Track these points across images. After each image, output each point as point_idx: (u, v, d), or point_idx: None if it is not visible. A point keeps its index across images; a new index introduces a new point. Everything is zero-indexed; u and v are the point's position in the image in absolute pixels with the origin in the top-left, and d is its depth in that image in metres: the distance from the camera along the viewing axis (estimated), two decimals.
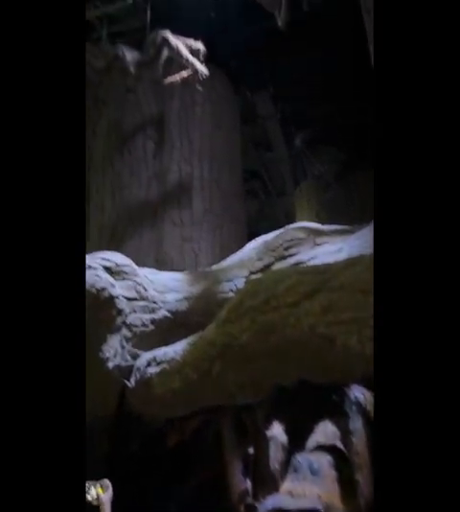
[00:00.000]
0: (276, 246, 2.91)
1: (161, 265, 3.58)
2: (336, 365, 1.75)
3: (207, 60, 3.65)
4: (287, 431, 2.20)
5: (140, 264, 2.68)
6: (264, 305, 1.86)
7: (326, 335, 1.70)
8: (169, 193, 4.12)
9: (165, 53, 3.44)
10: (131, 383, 2.12)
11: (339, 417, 2.08)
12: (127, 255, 2.61)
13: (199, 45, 3.49)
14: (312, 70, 4.32)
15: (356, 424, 1.96)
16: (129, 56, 3.56)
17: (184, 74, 3.42)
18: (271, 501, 1.90)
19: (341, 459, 1.96)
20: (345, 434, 2.02)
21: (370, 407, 1.95)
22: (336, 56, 4.32)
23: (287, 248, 2.85)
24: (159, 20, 4.29)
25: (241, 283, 2.68)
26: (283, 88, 4.74)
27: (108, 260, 2.41)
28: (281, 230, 3.06)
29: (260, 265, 2.85)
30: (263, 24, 4.02)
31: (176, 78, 3.47)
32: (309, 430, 2.18)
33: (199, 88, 3.43)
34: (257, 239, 3.14)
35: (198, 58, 3.43)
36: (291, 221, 6.09)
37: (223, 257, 3.26)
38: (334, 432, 2.11)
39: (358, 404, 1.98)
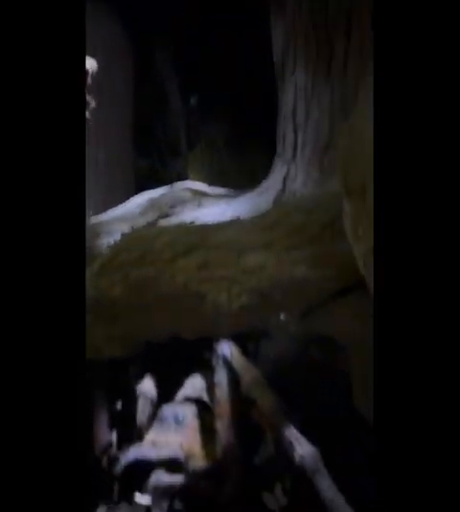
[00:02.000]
0: (161, 204, 2.85)
1: None
2: (206, 322, 1.81)
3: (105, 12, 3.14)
4: (159, 387, 2.25)
5: None
6: (140, 260, 1.83)
7: (198, 292, 1.74)
8: None
9: None
10: None
11: (208, 371, 2.20)
12: None
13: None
14: (217, 35, 4.24)
15: (221, 377, 2.09)
16: None
17: None
18: (133, 452, 1.94)
19: (205, 410, 2.08)
20: (210, 386, 2.14)
21: (235, 361, 2.09)
22: (239, 24, 4.31)
23: (171, 207, 2.82)
24: None
25: (120, 238, 2.59)
26: (183, 49, 4.59)
27: None
28: (167, 187, 3.01)
29: (143, 221, 2.78)
30: None
31: None
32: (179, 385, 2.26)
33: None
34: (143, 193, 3.03)
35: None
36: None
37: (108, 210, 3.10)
38: (202, 385, 2.22)
39: (224, 357, 2.10)
